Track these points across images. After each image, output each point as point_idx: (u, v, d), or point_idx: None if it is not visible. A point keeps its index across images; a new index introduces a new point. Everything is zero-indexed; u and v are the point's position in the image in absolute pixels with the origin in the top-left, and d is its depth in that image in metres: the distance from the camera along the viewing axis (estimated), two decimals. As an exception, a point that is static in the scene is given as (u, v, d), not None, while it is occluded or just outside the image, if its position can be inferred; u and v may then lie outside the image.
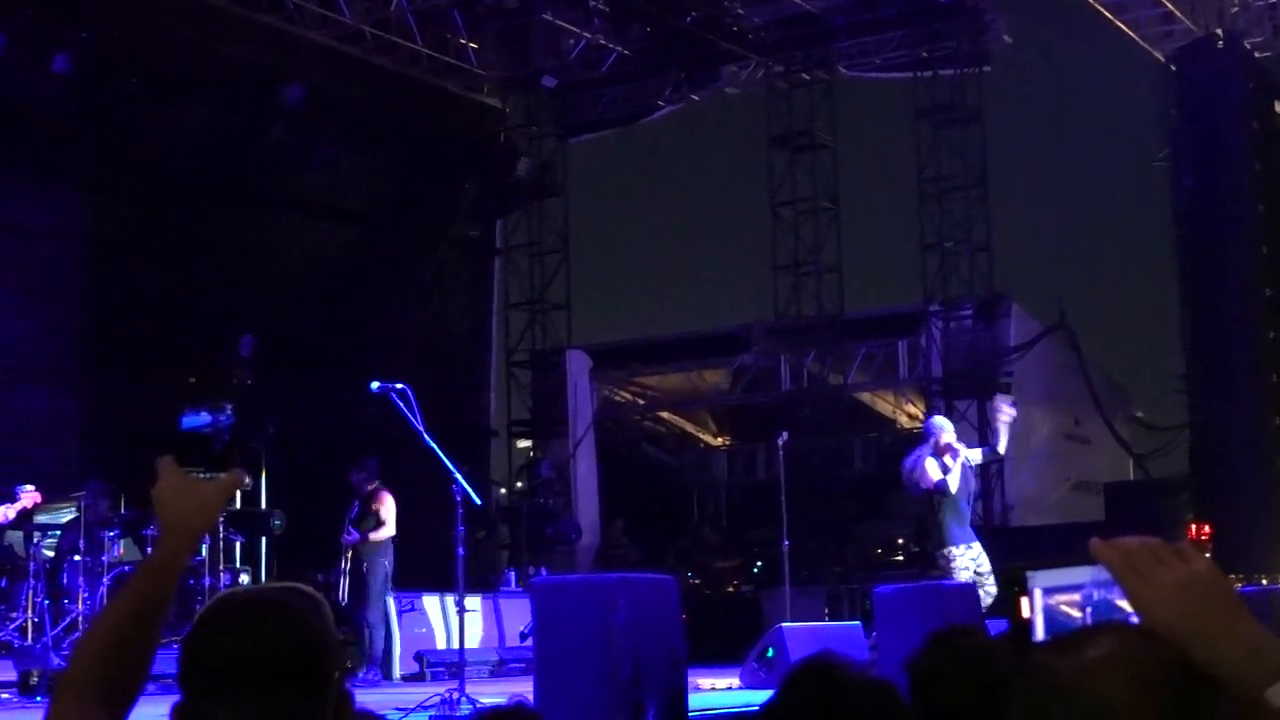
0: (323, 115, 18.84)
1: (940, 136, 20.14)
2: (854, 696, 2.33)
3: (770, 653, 11.47)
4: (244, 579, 14.26)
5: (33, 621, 12.97)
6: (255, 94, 18.12)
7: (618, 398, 24.52)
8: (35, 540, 13.65)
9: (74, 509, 13.82)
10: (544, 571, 18.26)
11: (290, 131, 18.36)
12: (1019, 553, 15.33)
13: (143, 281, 17.13)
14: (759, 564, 20.92)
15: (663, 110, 22.60)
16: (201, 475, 2.76)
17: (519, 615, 15.92)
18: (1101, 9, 19.12)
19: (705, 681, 11.38)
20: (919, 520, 19.90)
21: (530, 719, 4.33)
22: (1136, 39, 19.73)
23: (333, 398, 16.36)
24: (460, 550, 9.22)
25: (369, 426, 12.40)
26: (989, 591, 12.46)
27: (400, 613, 14.98)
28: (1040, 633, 5.65)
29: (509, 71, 21.56)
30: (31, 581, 13.02)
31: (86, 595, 13.05)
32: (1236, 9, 19.21)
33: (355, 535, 13.83)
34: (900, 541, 20.50)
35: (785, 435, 15.13)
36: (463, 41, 20.71)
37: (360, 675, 13.32)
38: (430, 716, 8.22)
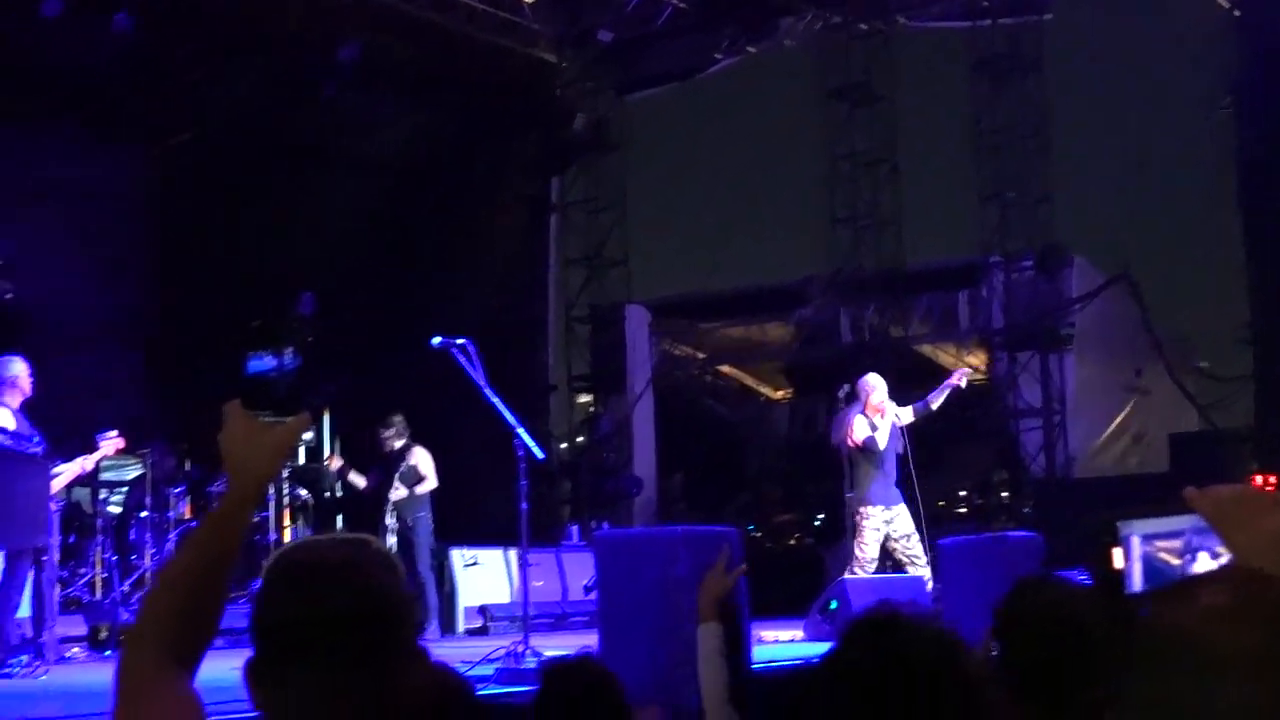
0: (379, 74, 18.82)
1: (999, 86, 19.91)
2: (917, 648, 2.30)
3: (834, 605, 11.47)
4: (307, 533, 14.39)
5: (101, 577, 13.12)
6: (312, 53, 18.14)
7: (677, 351, 24.49)
8: (102, 497, 13.82)
9: (140, 466, 13.97)
10: (606, 526, 18.32)
11: (347, 90, 18.37)
12: (1084, 505, 15.22)
13: (204, 239, 17.21)
14: (820, 517, 20.87)
15: (720, 64, 22.37)
16: (268, 419, 2.68)
17: (582, 569, 16.00)
18: (1165, -47, 18.87)
19: (769, 634, 11.40)
20: (984, 472, 19.85)
21: (597, 672, 4.36)
22: (1200, -17, 19.45)
23: (394, 355, 16.43)
24: (524, 504, 9.23)
25: (428, 382, 12.44)
26: (912, 559, 12.40)
27: (465, 565, 15.06)
28: (1138, 581, 5.59)
29: (564, 27, 21.48)
30: (100, 538, 13.17)
31: (154, 551, 13.23)
32: (1302, -48, 18.87)
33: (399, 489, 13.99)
34: (963, 494, 20.39)
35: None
36: (518, -3, 20.66)
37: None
38: (496, 669, 8.25)
